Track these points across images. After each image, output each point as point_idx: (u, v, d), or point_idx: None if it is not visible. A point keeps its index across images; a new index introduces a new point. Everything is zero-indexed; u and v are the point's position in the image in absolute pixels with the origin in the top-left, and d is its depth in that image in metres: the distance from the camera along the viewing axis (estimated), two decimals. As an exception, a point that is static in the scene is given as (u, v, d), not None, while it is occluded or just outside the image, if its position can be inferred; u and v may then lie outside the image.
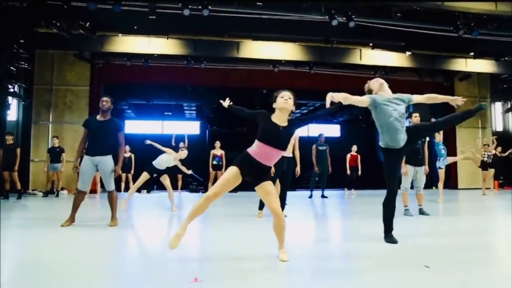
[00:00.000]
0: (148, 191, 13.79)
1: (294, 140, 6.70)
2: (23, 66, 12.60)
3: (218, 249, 4.06)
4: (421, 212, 7.01)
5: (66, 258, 3.61)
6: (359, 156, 13.07)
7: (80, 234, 4.89)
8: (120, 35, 12.34)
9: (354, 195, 12.63)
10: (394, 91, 4.50)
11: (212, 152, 12.44)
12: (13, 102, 12.76)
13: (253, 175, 3.51)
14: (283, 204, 6.72)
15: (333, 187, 13.98)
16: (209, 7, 9.41)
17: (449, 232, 5.24)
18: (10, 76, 11.94)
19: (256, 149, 3.50)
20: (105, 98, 5.71)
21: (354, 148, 13.09)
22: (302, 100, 19.39)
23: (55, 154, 11.52)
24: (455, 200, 10.72)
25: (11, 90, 12.22)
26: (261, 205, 6.68)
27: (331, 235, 5.50)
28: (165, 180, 7.83)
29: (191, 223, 3.51)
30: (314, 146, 11.54)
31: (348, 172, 12.99)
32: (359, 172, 12.98)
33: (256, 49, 12.96)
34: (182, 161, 8.06)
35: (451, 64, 14.44)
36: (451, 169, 15.59)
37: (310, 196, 11.42)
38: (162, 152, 7.77)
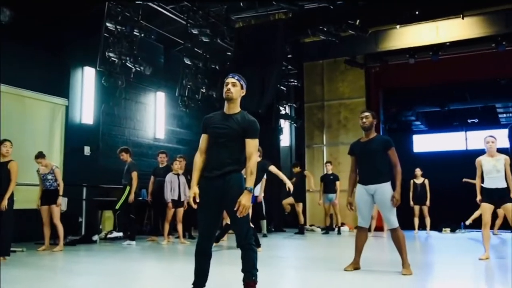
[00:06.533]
0: (453, 230, 13.06)
1: None
2: (293, 83, 14.49)
3: None
4: None
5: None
6: None
7: (366, 282, 5.14)
8: (398, 26, 12.50)
9: None
10: None
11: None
12: (285, 125, 14.77)
13: None
14: None
15: None
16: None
17: None
18: (281, 97, 13.87)
19: None
20: (365, 114, 5.81)
21: None
22: None
23: (328, 183, 12.33)
24: None
25: (282, 112, 14.18)
26: None
27: None
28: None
29: None
30: None
31: None
32: None
33: None
34: None
35: None
36: None
37: None
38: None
